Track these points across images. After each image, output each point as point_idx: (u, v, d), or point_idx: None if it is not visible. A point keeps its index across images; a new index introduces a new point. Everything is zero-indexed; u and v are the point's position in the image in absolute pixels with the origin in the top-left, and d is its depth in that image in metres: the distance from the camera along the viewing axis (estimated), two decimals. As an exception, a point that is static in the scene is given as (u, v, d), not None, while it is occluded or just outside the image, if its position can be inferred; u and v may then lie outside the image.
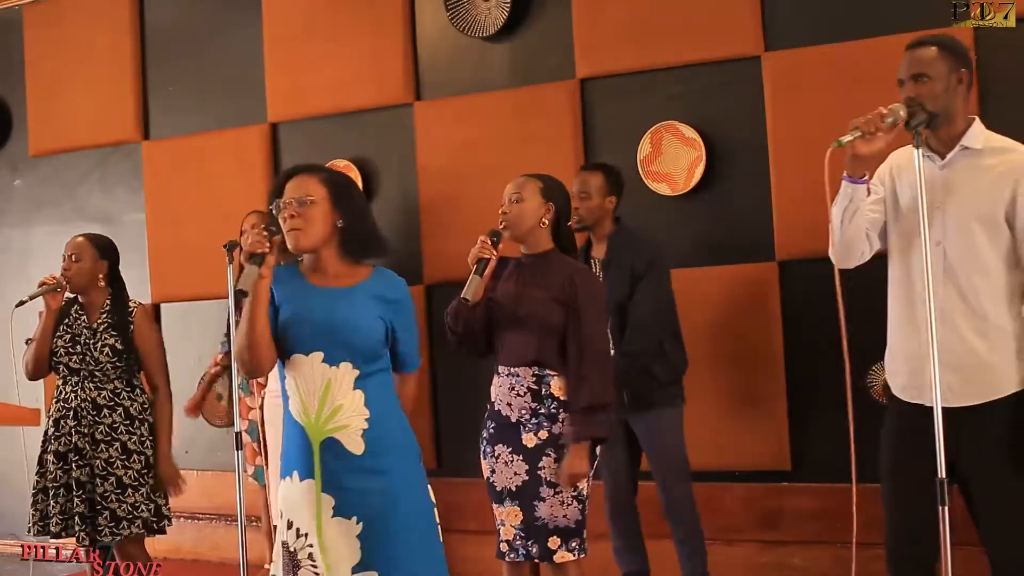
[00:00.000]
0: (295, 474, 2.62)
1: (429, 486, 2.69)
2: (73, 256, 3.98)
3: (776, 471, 4.29)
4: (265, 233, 2.59)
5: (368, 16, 5.04)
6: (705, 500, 4.06)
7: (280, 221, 2.62)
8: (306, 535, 2.59)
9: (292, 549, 2.61)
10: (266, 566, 4.74)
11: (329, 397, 2.57)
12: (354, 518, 2.56)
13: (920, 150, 2.72)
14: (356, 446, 2.57)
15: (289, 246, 2.62)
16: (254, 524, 4.68)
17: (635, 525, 4.05)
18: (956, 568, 2.65)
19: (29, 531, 3.97)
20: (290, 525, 2.62)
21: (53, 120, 5.81)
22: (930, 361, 2.70)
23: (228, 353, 4.85)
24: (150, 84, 5.64)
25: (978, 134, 2.88)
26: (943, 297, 2.83)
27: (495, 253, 3.23)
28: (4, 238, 6.07)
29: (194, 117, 5.50)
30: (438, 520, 2.68)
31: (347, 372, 2.57)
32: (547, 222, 3.32)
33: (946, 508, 2.63)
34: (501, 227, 3.31)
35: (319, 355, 2.58)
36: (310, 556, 2.58)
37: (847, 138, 2.75)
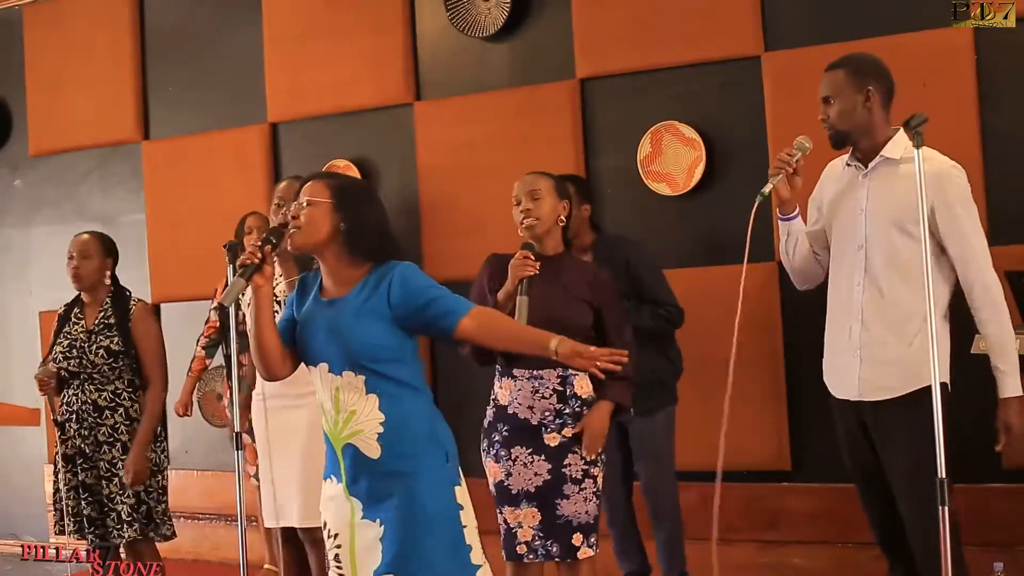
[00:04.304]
0: (332, 478, 2.67)
1: (460, 488, 2.63)
2: (82, 253, 3.96)
3: (776, 471, 4.29)
4: (259, 244, 2.60)
5: (368, 16, 5.04)
6: (704, 500, 4.05)
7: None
8: (335, 536, 2.64)
9: (327, 549, 2.67)
10: (265, 566, 4.75)
11: (341, 404, 2.59)
12: (377, 520, 2.57)
13: (920, 150, 2.75)
14: (372, 450, 2.57)
15: (288, 246, 2.63)
16: (253, 524, 4.68)
17: (633, 526, 4.06)
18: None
19: (60, 532, 3.97)
20: (325, 525, 2.68)
21: (53, 120, 5.81)
22: (837, 355, 3.09)
23: (208, 355, 4.88)
24: (150, 84, 5.64)
25: (899, 145, 3.01)
26: (865, 297, 3.04)
27: (537, 268, 3.13)
28: (4, 238, 6.06)
29: (194, 117, 5.50)
30: (467, 523, 2.60)
31: (351, 379, 2.58)
32: (564, 220, 3.30)
33: (946, 508, 2.63)
34: (524, 226, 3.25)
35: (324, 365, 2.61)
36: (336, 557, 2.63)
37: (768, 188, 3.10)
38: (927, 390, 2.77)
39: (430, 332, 2.66)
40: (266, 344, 2.62)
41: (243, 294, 2.94)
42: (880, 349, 3.00)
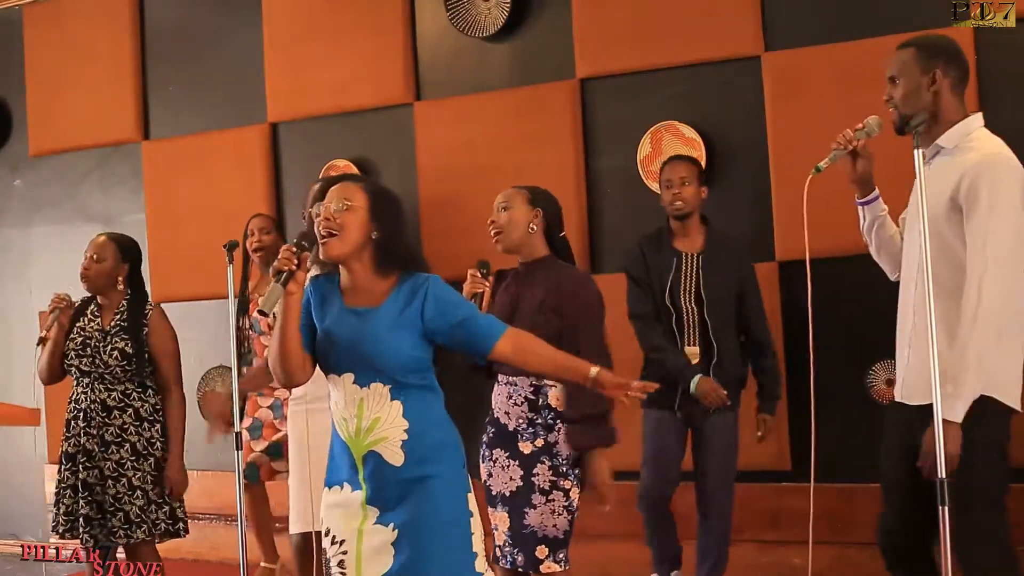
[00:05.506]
0: (345, 485, 2.62)
1: (471, 495, 2.62)
2: (95, 256, 3.93)
3: (776, 471, 4.29)
4: (294, 249, 2.51)
5: (368, 16, 5.05)
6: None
7: (316, 229, 2.58)
8: (341, 542, 2.61)
9: (327, 556, 2.64)
10: (262, 564, 4.74)
11: (365, 413, 2.56)
12: (391, 525, 2.55)
13: (920, 150, 2.73)
14: (396, 457, 2.54)
15: (321, 255, 2.57)
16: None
17: (671, 517, 4.00)
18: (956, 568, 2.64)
19: (53, 530, 3.96)
20: (327, 532, 2.65)
21: (53, 120, 5.81)
22: (897, 353, 2.96)
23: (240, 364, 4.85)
24: (150, 84, 5.64)
25: (955, 134, 2.86)
26: (916, 292, 2.87)
27: (487, 284, 3.21)
28: (4, 238, 6.07)
29: (194, 117, 5.50)
30: (475, 530, 2.60)
31: (379, 390, 2.55)
32: (536, 227, 3.31)
33: (946, 508, 2.62)
34: (493, 237, 3.31)
35: (350, 376, 2.57)
36: (340, 563, 2.60)
37: (824, 163, 2.90)
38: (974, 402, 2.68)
39: (460, 349, 2.63)
40: (292, 350, 2.56)
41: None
42: (922, 350, 2.77)
